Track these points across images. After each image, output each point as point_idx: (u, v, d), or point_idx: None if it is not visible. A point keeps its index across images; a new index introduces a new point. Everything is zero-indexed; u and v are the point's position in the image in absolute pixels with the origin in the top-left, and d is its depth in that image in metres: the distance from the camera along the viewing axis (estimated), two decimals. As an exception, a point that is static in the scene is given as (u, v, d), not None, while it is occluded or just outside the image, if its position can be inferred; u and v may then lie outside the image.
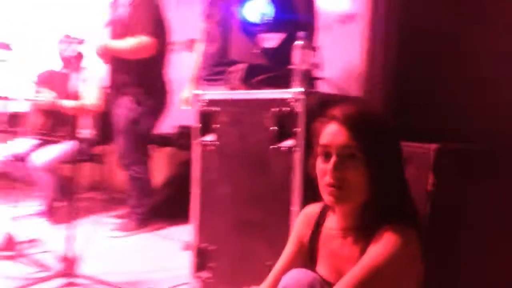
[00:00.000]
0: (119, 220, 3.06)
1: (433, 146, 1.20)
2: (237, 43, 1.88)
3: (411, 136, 1.24)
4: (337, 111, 1.00)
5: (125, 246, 2.69)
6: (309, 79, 1.69)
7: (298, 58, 1.65)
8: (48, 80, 3.16)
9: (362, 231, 0.98)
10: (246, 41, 1.83)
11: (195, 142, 1.86)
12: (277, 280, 1.09)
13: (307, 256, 1.12)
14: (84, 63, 3.25)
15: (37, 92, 3.08)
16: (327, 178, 0.97)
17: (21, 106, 3.30)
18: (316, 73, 1.80)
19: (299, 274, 1.06)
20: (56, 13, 4.42)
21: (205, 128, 1.81)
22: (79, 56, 3.06)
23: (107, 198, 3.56)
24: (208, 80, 2.22)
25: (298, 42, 1.64)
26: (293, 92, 1.55)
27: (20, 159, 3.00)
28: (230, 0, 1.94)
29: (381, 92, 1.44)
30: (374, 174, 0.96)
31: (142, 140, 2.90)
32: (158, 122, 2.98)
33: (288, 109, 1.55)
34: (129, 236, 2.84)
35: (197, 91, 1.83)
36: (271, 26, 1.76)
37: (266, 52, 1.80)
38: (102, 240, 2.73)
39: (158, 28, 2.78)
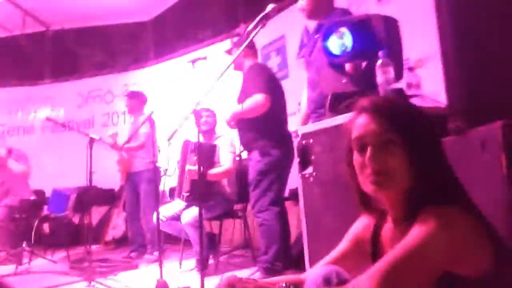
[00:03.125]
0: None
1: (498, 123, 1.03)
2: (327, 79, 1.96)
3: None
4: (365, 102, 0.98)
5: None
6: (401, 98, 1.65)
7: (381, 77, 1.64)
8: (196, 150, 3.63)
9: (410, 219, 0.90)
10: (334, 75, 1.90)
11: (298, 177, 1.93)
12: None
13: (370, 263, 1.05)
14: (217, 131, 3.70)
15: (183, 161, 3.57)
16: (367, 170, 0.93)
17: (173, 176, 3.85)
18: (409, 91, 1.75)
19: (317, 268, 1.05)
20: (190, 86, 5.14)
21: (304, 162, 1.88)
22: (213, 127, 3.53)
23: (250, 255, 3.74)
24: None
25: (379, 61, 1.65)
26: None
27: (175, 218, 3.45)
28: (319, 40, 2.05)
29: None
30: (415, 158, 0.90)
31: (269, 190, 2.99)
32: (287, 174, 3.09)
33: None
34: (255, 285, 2.91)
35: (293, 128, 1.93)
36: (353, 55, 1.80)
37: (353, 80, 1.83)
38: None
39: (270, 85, 3.03)
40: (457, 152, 1.18)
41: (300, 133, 1.87)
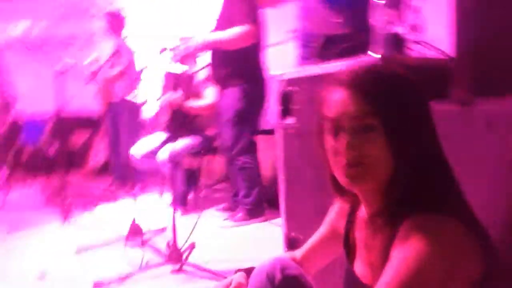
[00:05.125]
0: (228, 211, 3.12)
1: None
2: (317, 15, 1.70)
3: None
4: (343, 74, 0.78)
5: (234, 236, 2.71)
6: (396, 43, 1.43)
7: (376, 18, 1.40)
8: (173, 81, 3.39)
9: (389, 216, 0.76)
10: (324, 11, 1.64)
11: (277, 126, 1.74)
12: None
13: (344, 252, 0.94)
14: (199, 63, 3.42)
15: (164, 93, 3.35)
16: (341, 159, 0.77)
17: (153, 107, 3.65)
18: (411, 35, 1.52)
19: (265, 261, 0.98)
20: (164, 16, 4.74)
21: (286, 110, 1.68)
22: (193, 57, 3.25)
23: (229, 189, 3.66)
24: (303, 59, 2.08)
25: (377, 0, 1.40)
26: (368, 60, 1.31)
27: (151, 155, 3.29)
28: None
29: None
30: (398, 146, 0.74)
31: (250, 130, 2.90)
32: (262, 111, 2.95)
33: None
34: (240, 226, 2.86)
35: (275, 72, 1.71)
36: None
37: (347, 19, 1.58)
38: (214, 230, 2.82)
39: (255, 16, 2.76)
40: (459, 125, 1.01)
41: (285, 77, 1.65)
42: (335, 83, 0.79)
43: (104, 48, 4.04)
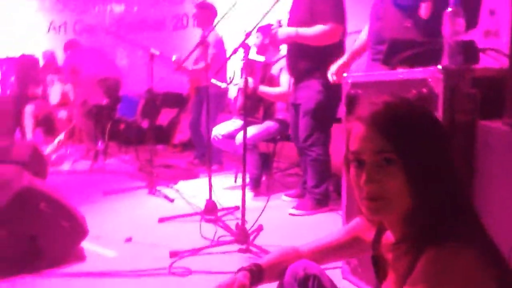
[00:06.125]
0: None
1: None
2: (390, 18, 1.72)
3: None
4: (362, 110, 0.83)
5: (299, 223, 2.83)
6: (466, 52, 1.41)
7: (447, 28, 1.40)
8: (249, 68, 3.54)
9: (411, 245, 0.80)
10: (397, 15, 1.65)
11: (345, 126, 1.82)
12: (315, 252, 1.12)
13: (374, 271, 0.98)
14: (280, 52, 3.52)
15: (241, 79, 3.52)
16: (362, 192, 0.82)
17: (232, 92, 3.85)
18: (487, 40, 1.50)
19: (294, 263, 1.07)
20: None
21: (351, 112, 1.74)
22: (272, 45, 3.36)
23: (300, 174, 3.76)
24: (372, 60, 2.10)
25: (448, 9, 1.40)
26: (431, 70, 1.33)
27: (230, 137, 3.51)
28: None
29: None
30: (416, 180, 0.77)
31: (327, 122, 2.98)
32: (339, 104, 2.99)
33: (427, 91, 1.34)
34: (307, 215, 2.98)
35: (345, 74, 1.77)
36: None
37: (418, 24, 1.58)
38: (282, 215, 2.96)
39: (342, 15, 2.82)
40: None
41: (349, 81, 1.71)
42: (355, 116, 0.84)
43: (195, 37, 4.30)
